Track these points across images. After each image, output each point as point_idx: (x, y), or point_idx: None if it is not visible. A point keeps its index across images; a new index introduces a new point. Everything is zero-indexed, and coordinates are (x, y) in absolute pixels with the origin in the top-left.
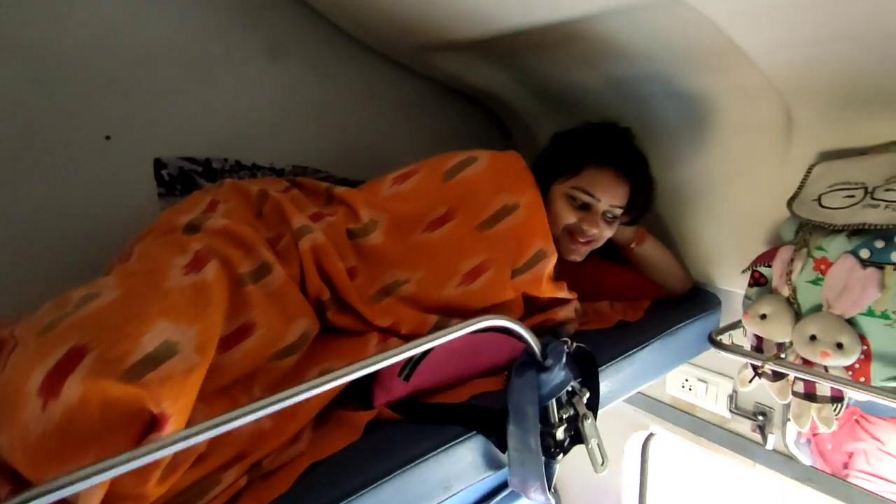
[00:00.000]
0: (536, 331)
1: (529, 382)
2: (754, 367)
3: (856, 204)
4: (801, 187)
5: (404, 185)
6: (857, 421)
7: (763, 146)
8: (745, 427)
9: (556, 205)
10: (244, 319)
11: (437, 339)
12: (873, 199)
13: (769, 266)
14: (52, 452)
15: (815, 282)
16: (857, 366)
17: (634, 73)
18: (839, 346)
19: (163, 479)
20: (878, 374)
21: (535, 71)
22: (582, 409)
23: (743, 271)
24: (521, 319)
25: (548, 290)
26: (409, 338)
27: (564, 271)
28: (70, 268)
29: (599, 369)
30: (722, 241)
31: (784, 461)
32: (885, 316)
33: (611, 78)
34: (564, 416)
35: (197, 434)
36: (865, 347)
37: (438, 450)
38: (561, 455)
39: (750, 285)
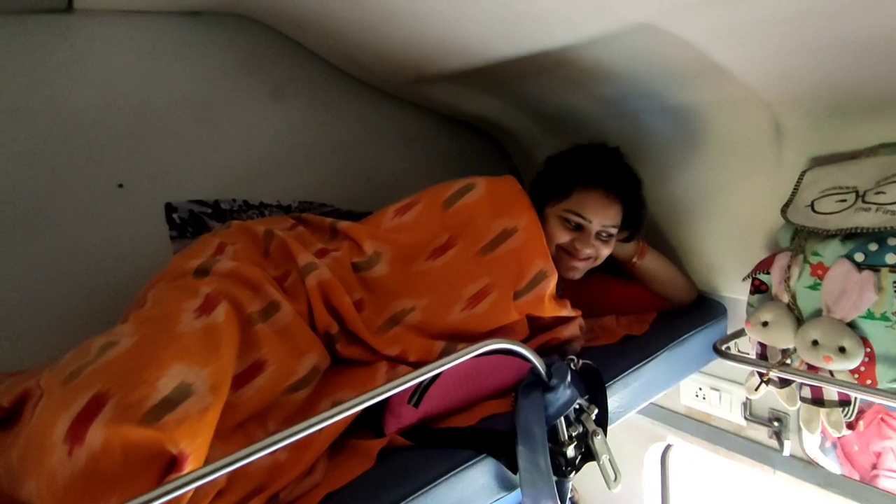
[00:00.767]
0: (542, 350)
1: (536, 402)
2: (760, 375)
3: (848, 208)
4: (793, 194)
5: (406, 217)
6: (882, 419)
7: (755, 155)
8: (761, 434)
9: (550, 226)
10: (255, 357)
11: (444, 364)
12: (865, 202)
13: (768, 273)
14: (79, 496)
15: (814, 287)
16: (862, 368)
17: (622, 92)
18: (842, 349)
19: None
20: (884, 375)
21: (528, 96)
22: (591, 426)
23: (743, 279)
24: (526, 340)
25: (551, 310)
26: (417, 365)
27: (568, 289)
28: (91, 314)
29: (607, 385)
30: (723, 250)
31: (804, 466)
32: (885, 318)
33: (601, 98)
34: (574, 434)
35: (215, 471)
36: (869, 350)
37: (450, 474)
38: (573, 473)
39: (751, 293)
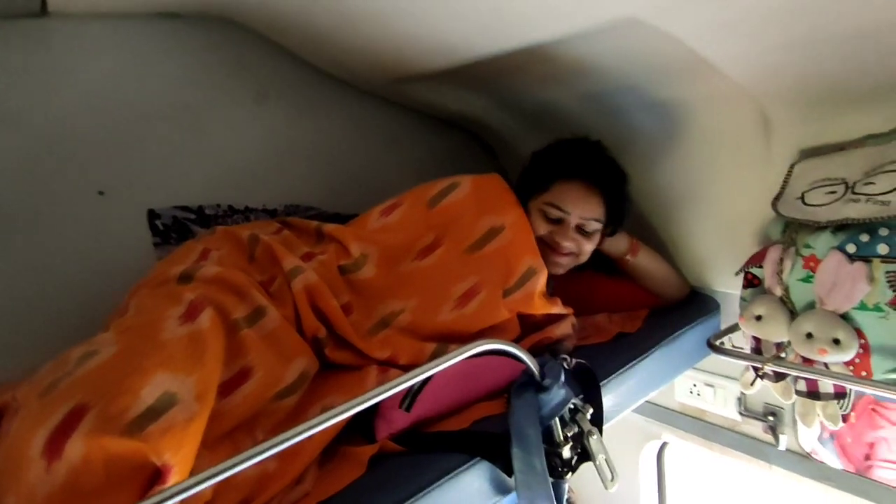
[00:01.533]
0: (534, 350)
1: (529, 403)
2: (755, 369)
3: (838, 200)
4: (784, 186)
5: (391, 217)
6: (873, 410)
7: (744, 148)
8: (756, 429)
9: (531, 219)
10: (242, 364)
11: (435, 367)
12: (854, 193)
13: (761, 267)
14: None
15: (806, 279)
16: (857, 360)
17: (607, 88)
18: (836, 341)
19: None
20: (878, 366)
21: (511, 93)
22: (586, 426)
23: (736, 273)
24: (517, 339)
25: (541, 307)
26: (407, 368)
27: (559, 287)
28: (71, 324)
29: (601, 384)
30: (715, 245)
31: (799, 461)
32: (878, 309)
33: (585, 94)
34: (569, 435)
35: (200, 483)
36: (863, 341)
37: (444, 479)
38: (569, 474)
39: (744, 287)
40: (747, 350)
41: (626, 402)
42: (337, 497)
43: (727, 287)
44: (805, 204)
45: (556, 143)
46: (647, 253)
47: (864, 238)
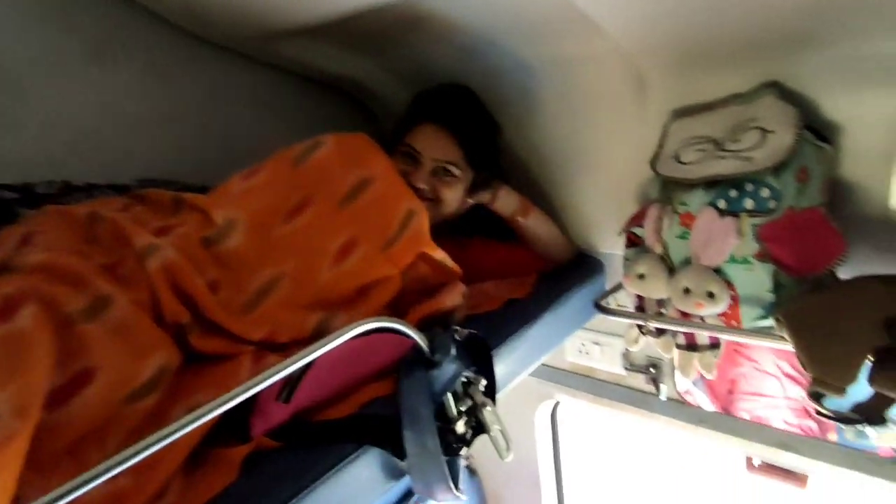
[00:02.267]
0: (425, 323)
1: (419, 381)
2: (639, 326)
3: (707, 157)
4: (660, 146)
5: (255, 180)
6: (735, 350)
7: (622, 110)
8: (640, 382)
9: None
10: (81, 365)
11: (314, 350)
12: (722, 150)
13: (642, 226)
14: None
15: (683, 236)
16: (728, 311)
17: (481, 46)
18: (710, 295)
19: None
20: (747, 315)
21: (392, 54)
22: (480, 398)
23: (619, 234)
24: (404, 315)
25: (433, 248)
26: (288, 346)
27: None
28: None
29: (493, 352)
30: (599, 206)
31: (678, 407)
32: (745, 261)
33: (462, 55)
34: (463, 409)
35: None
36: (733, 293)
37: (329, 472)
38: (465, 449)
39: (627, 247)
40: (631, 308)
41: (519, 369)
42: None
43: (611, 248)
44: (679, 162)
45: (424, 90)
46: (538, 214)
47: (733, 194)
